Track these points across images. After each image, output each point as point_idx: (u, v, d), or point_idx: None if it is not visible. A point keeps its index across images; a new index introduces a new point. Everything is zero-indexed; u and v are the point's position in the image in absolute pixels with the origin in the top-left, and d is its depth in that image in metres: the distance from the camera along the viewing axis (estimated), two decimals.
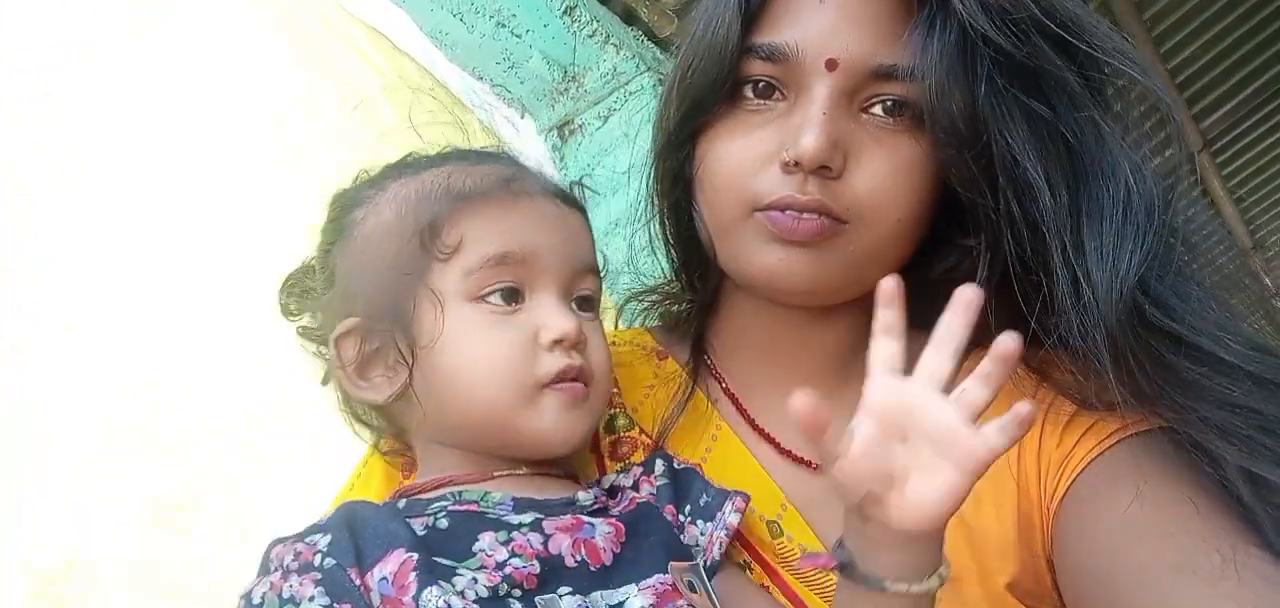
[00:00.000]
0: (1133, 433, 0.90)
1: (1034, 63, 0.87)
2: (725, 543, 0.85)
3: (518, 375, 0.82)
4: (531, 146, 2.43)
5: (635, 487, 0.90)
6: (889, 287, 0.71)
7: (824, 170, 0.88)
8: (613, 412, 1.04)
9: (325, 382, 0.94)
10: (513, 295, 0.84)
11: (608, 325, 1.01)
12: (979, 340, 1.04)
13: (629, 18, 2.51)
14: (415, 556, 0.71)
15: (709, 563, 0.83)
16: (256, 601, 0.71)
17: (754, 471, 0.99)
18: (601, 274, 0.96)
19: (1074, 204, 0.89)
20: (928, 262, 1.00)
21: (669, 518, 0.85)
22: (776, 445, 1.02)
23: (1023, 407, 0.66)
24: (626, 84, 2.40)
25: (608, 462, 1.02)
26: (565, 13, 2.26)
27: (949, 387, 0.68)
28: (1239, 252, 4.96)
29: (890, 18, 0.89)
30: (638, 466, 0.92)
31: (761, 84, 0.92)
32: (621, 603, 0.74)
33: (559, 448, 0.84)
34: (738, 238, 0.93)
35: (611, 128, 2.40)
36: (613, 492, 0.89)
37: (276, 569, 0.73)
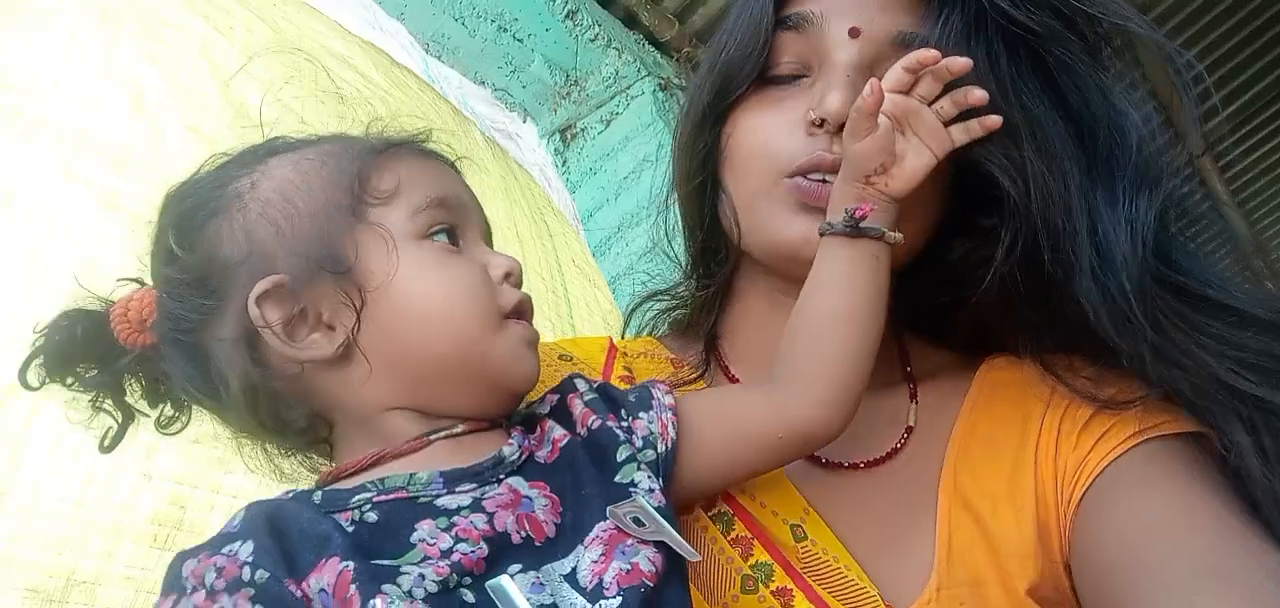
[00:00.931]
0: (1149, 437, 0.90)
1: (1048, 33, 0.91)
2: (675, 421, 0.83)
3: (483, 305, 0.79)
4: (533, 151, 2.42)
5: (562, 411, 0.85)
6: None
7: None
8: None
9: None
10: (453, 236, 0.82)
11: (615, 335, 0.99)
12: (986, 347, 1.05)
13: (630, 22, 2.51)
14: (351, 565, 0.64)
15: (670, 447, 0.82)
16: None
17: (774, 475, 0.96)
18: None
19: (1091, 163, 0.93)
20: (944, 250, 1.01)
21: (610, 427, 0.81)
22: None
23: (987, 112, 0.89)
24: (628, 88, 2.40)
25: None
26: (567, 17, 2.26)
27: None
28: (1242, 255, 4.95)
29: None
30: (551, 391, 0.87)
31: (787, 67, 0.97)
32: (573, 569, 0.70)
33: (524, 383, 0.81)
34: (766, 208, 0.95)
35: (613, 132, 2.39)
36: (530, 425, 0.84)
37: (196, 589, 0.65)
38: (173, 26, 1.76)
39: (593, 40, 2.31)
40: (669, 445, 0.82)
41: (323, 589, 0.64)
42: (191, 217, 0.83)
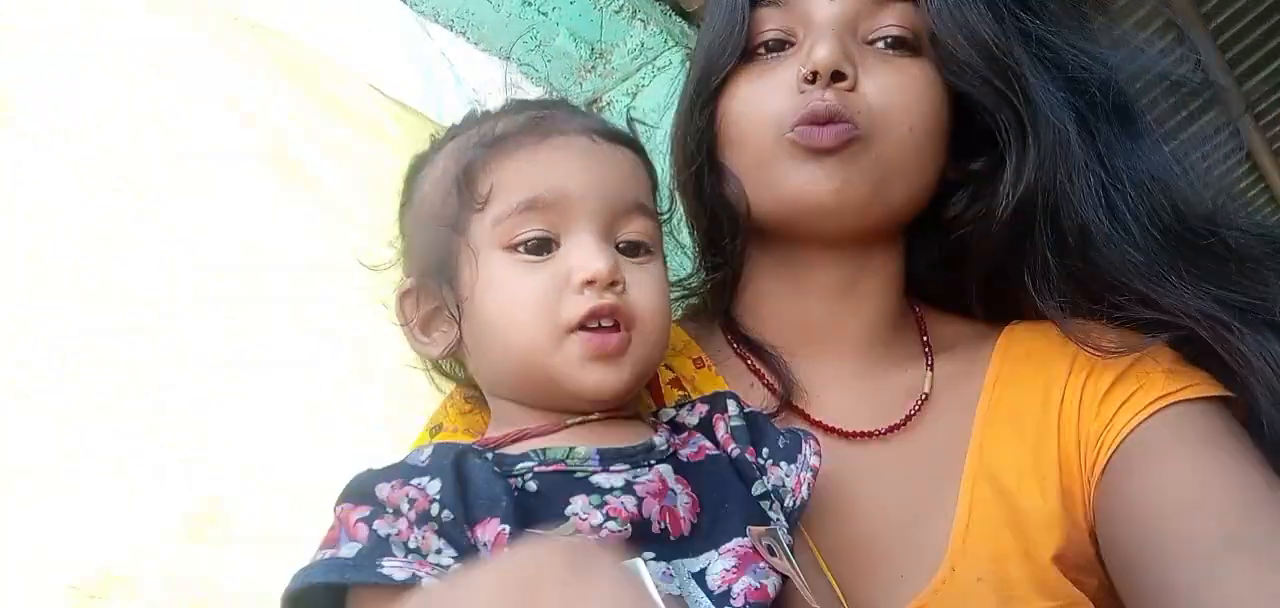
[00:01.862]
0: (1173, 401, 0.90)
1: None
2: (812, 485, 0.84)
3: (544, 318, 0.79)
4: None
5: (707, 426, 0.87)
6: None
7: (839, 80, 0.94)
8: (681, 395, 1.02)
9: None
10: (544, 244, 0.81)
11: None
12: (1006, 314, 1.06)
13: None
14: (508, 530, 0.69)
15: (798, 503, 0.82)
16: (382, 533, 0.68)
17: None
18: (662, 215, 0.93)
19: (1096, 107, 0.97)
20: (937, 215, 1.04)
21: (748, 461, 0.83)
22: (808, 419, 1.01)
23: None
24: (655, 59, 2.36)
25: None
26: None
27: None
28: None
29: None
30: (702, 401, 0.90)
31: (772, 40, 1.00)
32: (703, 570, 0.73)
33: (592, 397, 0.80)
34: (769, 169, 0.97)
35: (641, 104, 2.35)
36: (676, 428, 0.87)
37: (395, 513, 0.70)
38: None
39: (618, 12, 2.27)
40: (797, 503, 0.82)
41: (485, 543, 0.69)
42: (402, 194, 0.93)
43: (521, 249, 0.80)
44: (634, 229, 0.84)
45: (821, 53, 0.93)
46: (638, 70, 2.38)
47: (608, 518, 0.72)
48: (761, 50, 1.00)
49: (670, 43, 2.32)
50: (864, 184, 0.95)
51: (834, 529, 0.92)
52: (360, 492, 0.72)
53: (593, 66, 2.36)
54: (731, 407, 0.88)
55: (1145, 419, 0.89)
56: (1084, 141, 0.95)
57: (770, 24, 1.00)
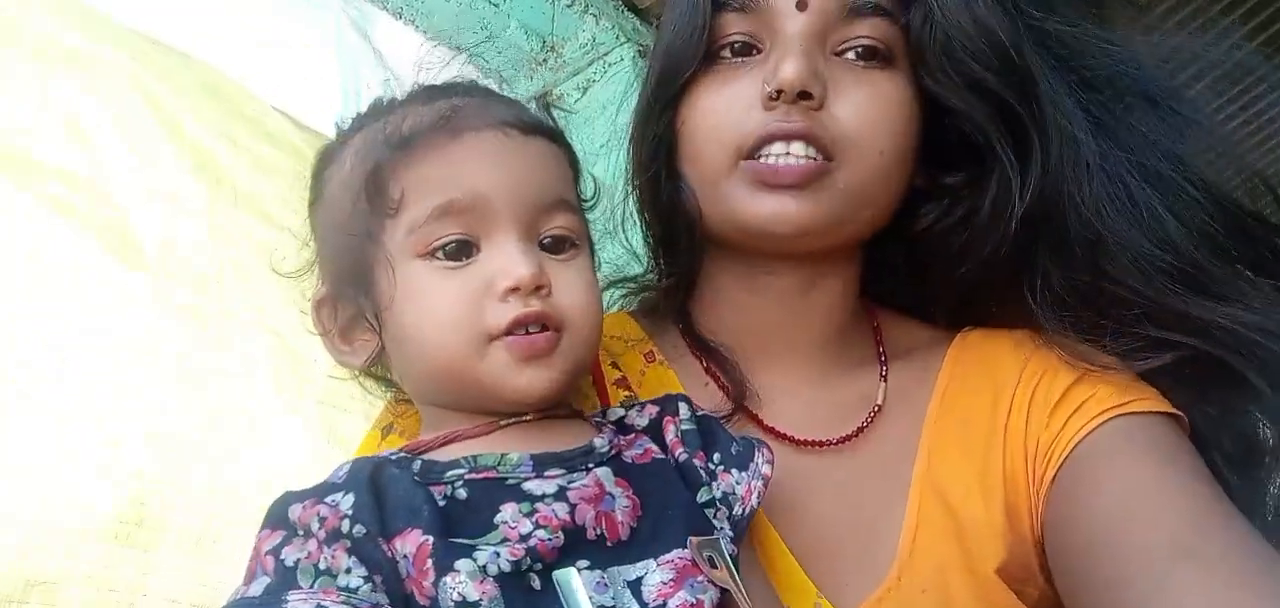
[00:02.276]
0: (1122, 413, 0.89)
1: None
2: (763, 493, 0.83)
3: (464, 328, 0.77)
4: None
5: (656, 428, 0.86)
6: None
7: (806, 99, 0.90)
8: (627, 395, 1.01)
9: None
10: (464, 248, 0.78)
11: None
12: (969, 321, 1.05)
13: None
14: (431, 539, 0.68)
15: (747, 512, 0.81)
16: (289, 563, 0.66)
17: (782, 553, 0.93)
18: (586, 203, 0.90)
19: (1114, 105, 0.93)
20: (907, 226, 1.02)
21: (695, 466, 0.82)
22: (761, 424, 1.00)
23: None
24: (606, 55, 2.34)
25: None
26: None
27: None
28: None
29: None
30: (653, 403, 0.88)
31: (738, 43, 0.95)
32: (639, 579, 0.71)
33: (523, 400, 0.79)
34: (725, 190, 0.94)
35: (591, 99, 2.34)
36: (623, 429, 0.85)
37: (305, 534, 0.68)
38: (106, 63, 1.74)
39: (569, 6, 2.25)
40: (746, 511, 0.81)
41: (406, 555, 0.67)
42: (310, 190, 0.88)
43: (439, 254, 0.77)
44: (557, 225, 0.81)
45: (788, 70, 0.89)
46: (589, 65, 2.36)
47: (537, 526, 0.70)
48: (726, 52, 0.96)
49: (622, 39, 2.30)
50: (827, 216, 0.92)
51: (781, 536, 0.91)
52: (275, 517, 0.71)
53: (544, 60, 2.34)
54: (682, 410, 0.86)
55: (1094, 429, 0.89)
56: (1100, 145, 0.92)
57: (736, 28, 0.95)
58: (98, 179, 1.54)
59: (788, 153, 0.90)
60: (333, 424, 1.83)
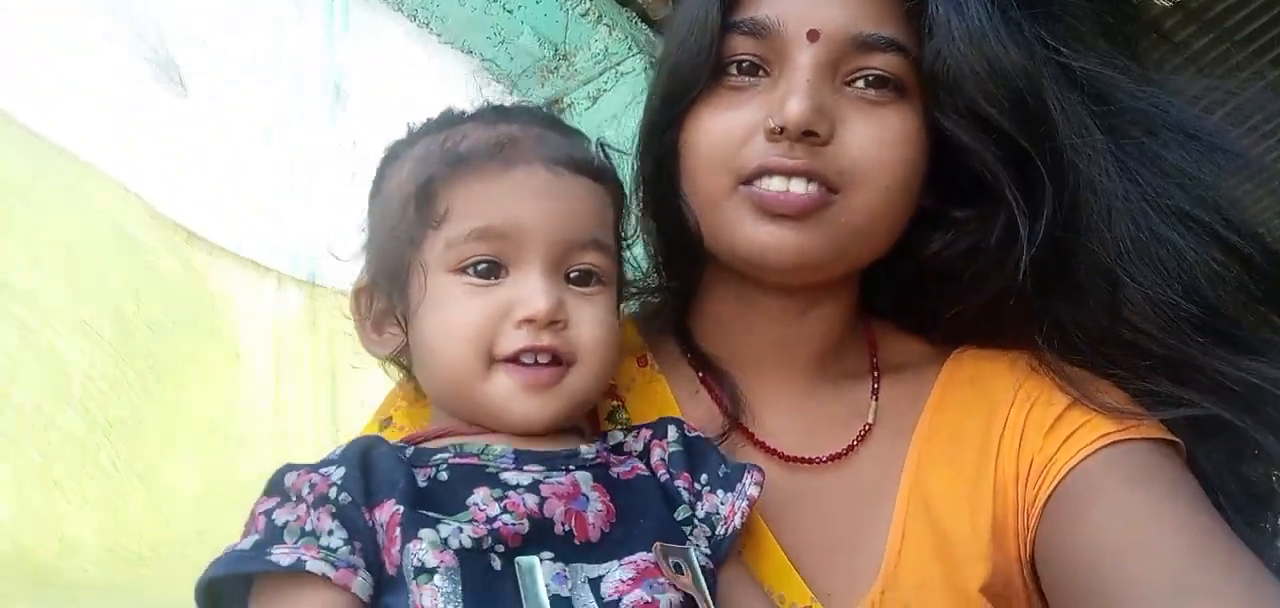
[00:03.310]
0: (1116, 440, 0.89)
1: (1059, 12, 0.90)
2: (747, 514, 0.84)
3: (478, 345, 0.81)
4: None
5: (645, 452, 0.88)
6: None
7: (811, 137, 0.88)
8: (614, 404, 1.02)
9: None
10: (493, 269, 0.82)
11: None
12: (966, 339, 1.03)
13: None
14: (402, 509, 0.72)
15: (729, 532, 0.83)
16: (278, 523, 0.71)
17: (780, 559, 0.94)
18: (620, 244, 0.93)
19: (1138, 143, 0.91)
20: (912, 246, 0.99)
21: (677, 486, 0.84)
22: (752, 439, 1.00)
23: None
24: (618, 65, 2.38)
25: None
26: None
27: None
28: None
29: None
30: (646, 427, 0.90)
31: (745, 63, 0.93)
32: (600, 578, 0.74)
33: (518, 427, 0.82)
34: (725, 214, 0.93)
35: (601, 108, 2.38)
36: (617, 449, 0.88)
37: (295, 500, 0.73)
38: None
39: (583, 15, 2.28)
40: (728, 531, 0.83)
41: (381, 524, 0.72)
42: (372, 183, 0.93)
43: (470, 271, 0.81)
44: (587, 261, 0.84)
45: (793, 109, 0.87)
46: (600, 74, 2.39)
47: (504, 511, 0.74)
48: (732, 69, 0.93)
49: (633, 49, 2.34)
50: (826, 248, 0.91)
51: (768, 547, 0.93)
52: (273, 484, 0.75)
53: (556, 67, 2.37)
54: (671, 432, 0.89)
55: (1089, 455, 0.88)
56: (1126, 186, 0.90)
57: (745, 50, 0.93)
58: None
59: (788, 188, 0.89)
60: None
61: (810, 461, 0.98)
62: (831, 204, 0.90)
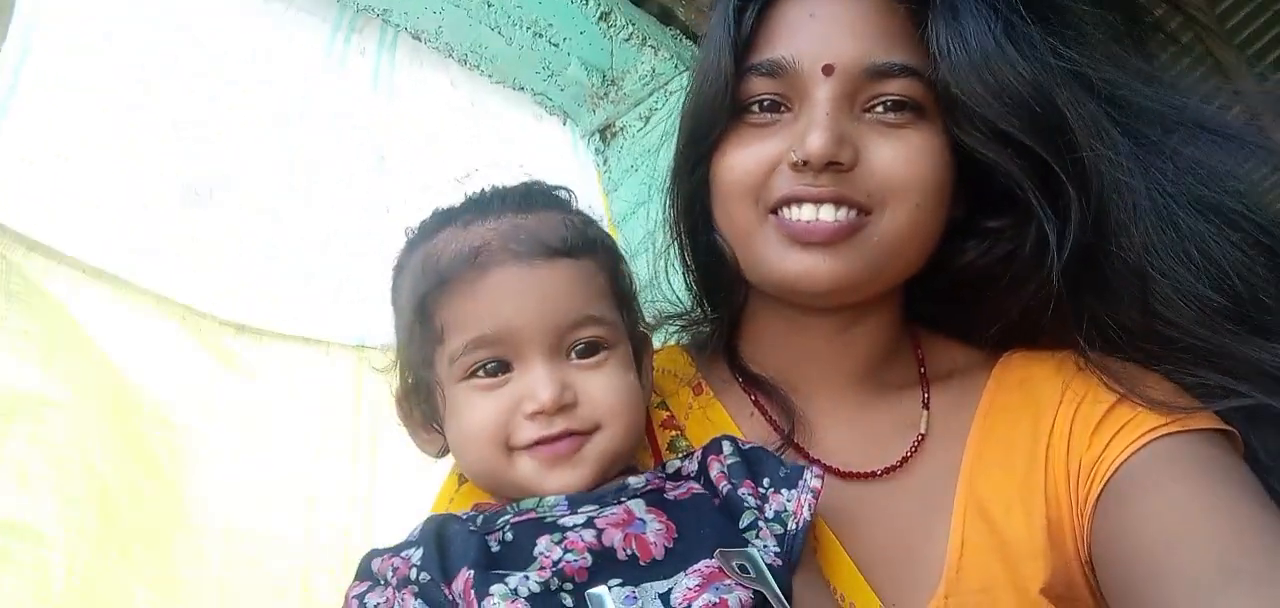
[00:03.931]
0: (1164, 433, 0.89)
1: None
2: (814, 506, 0.86)
3: (494, 446, 0.86)
4: (573, 154, 2.42)
5: (701, 472, 0.91)
6: None
7: (835, 167, 0.90)
8: (674, 433, 1.05)
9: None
10: (500, 367, 0.87)
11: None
12: (1013, 343, 1.04)
13: (666, 18, 2.49)
14: (474, 573, 0.77)
15: (800, 526, 0.85)
16: (371, 606, 0.80)
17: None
18: (625, 299, 0.95)
19: (1159, 140, 0.91)
20: (948, 257, 1.01)
21: (739, 496, 0.86)
22: (807, 457, 1.02)
23: None
24: (666, 84, 2.40)
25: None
26: (601, 18, 2.27)
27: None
28: None
29: (880, 18, 0.93)
30: (701, 450, 0.93)
31: (766, 101, 0.96)
32: (669, 591, 0.76)
33: (558, 494, 0.87)
34: (756, 245, 0.96)
35: (653, 129, 2.40)
36: (675, 478, 0.91)
37: (383, 583, 0.81)
38: None
39: (628, 40, 2.31)
40: (799, 525, 0.86)
41: (459, 593, 0.77)
42: (392, 279, 0.99)
43: (480, 373, 0.87)
44: (585, 335, 0.88)
45: (815, 143, 0.89)
46: (650, 96, 2.41)
47: (566, 551, 0.78)
48: (754, 108, 0.96)
49: (681, 68, 2.35)
50: (859, 271, 0.93)
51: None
52: (362, 570, 0.84)
53: (605, 93, 2.40)
54: (726, 447, 0.91)
55: (1137, 450, 0.89)
56: (1148, 182, 0.91)
57: (763, 89, 0.96)
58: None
59: (818, 216, 0.91)
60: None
61: (866, 475, 1.00)
62: (864, 226, 0.92)
